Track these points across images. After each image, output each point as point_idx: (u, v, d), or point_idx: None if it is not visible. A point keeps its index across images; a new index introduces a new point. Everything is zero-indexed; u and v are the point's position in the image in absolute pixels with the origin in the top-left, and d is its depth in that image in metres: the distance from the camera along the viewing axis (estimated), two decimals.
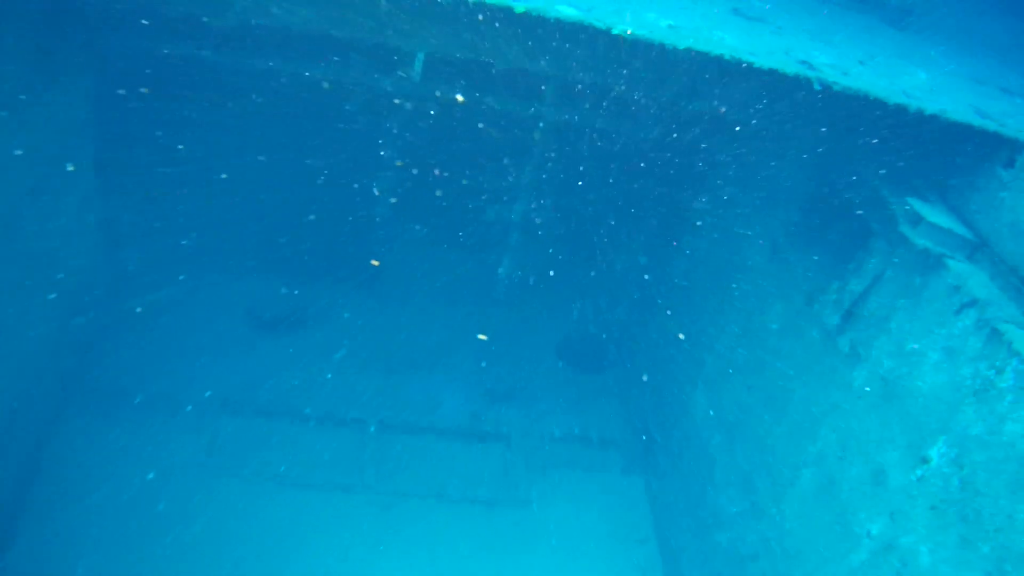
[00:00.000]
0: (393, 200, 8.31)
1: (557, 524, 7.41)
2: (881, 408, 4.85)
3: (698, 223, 7.69)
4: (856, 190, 5.50)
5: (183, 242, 8.22)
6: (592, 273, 8.81)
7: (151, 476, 7.01)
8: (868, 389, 4.98)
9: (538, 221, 8.21)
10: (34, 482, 6.75)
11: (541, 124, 7.54)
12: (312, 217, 8.32)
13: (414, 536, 7.11)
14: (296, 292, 9.00)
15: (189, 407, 7.67)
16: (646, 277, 8.58)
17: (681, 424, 7.33)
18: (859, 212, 5.40)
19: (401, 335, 8.76)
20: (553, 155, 7.80)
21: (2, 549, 6.29)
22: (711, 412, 6.80)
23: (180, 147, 7.66)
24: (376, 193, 8.38)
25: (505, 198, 8.11)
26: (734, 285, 6.78)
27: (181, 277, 8.66)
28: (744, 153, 6.96)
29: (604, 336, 9.28)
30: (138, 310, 8.32)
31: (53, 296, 6.79)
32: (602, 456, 8.20)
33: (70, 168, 6.76)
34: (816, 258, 5.87)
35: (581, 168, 8.05)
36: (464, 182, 8.09)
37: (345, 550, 6.90)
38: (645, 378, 8.33)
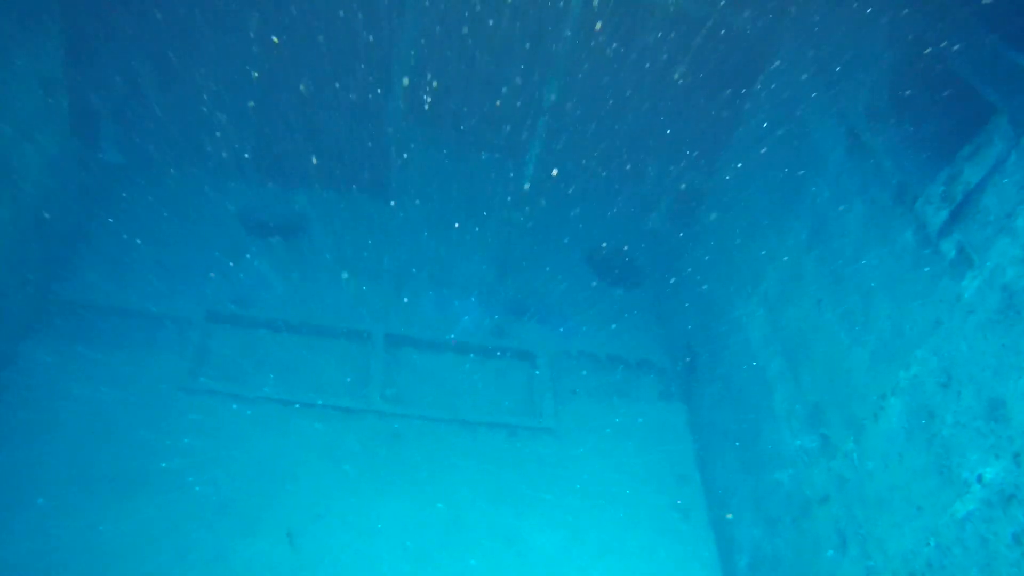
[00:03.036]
0: (405, 83, 7.30)
1: (586, 456, 6.55)
2: (1001, 325, 3.88)
3: (754, 110, 6.65)
4: (966, 55, 4.43)
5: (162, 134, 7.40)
6: (628, 168, 7.78)
7: (128, 397, 6.22)
8: (983, 302, 4.00)
9: (569, 106, 7.17)
10: None
11: None
12: (313, 112, 7.43)
13: (425, 467, 6.28)
14: (295, 195, 8.10)
15: (171, 320, 6.84)
16: (692, 175, 7.55)
17: (731, 345, 6.39)
18: (971, 83, 4.35)
19: (414, 243, 7.85)
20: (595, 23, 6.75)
21: None
22: (770, 332, 5.85)
23: (158, 16, 6.70)
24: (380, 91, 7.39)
25: (535, 77, 7.07)
26: (802, 183, 5.76)
27: (171, 171, 7.82)
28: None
29: (641, 244, 8.29)
30: (123, 195, 7.50)
31: (17, 191, 5.96)
32: (637, 380, 7.31)
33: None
34: (910, 145, 4.84)
35: (620, 44, 6.97)
36: (488, 62, 7.07)
37: (347, 482, 6.10)
38: (688, 292, 7.38)
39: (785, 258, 5.80)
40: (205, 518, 5.71)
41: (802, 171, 5.79)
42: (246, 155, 7.84)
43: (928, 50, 4.76)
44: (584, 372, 7.17)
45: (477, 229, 7.96)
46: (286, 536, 5.74)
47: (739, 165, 6.85)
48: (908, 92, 4.93)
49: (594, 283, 8.02)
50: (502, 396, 6.90)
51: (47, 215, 6.62)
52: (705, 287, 7.07)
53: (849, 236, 5.14)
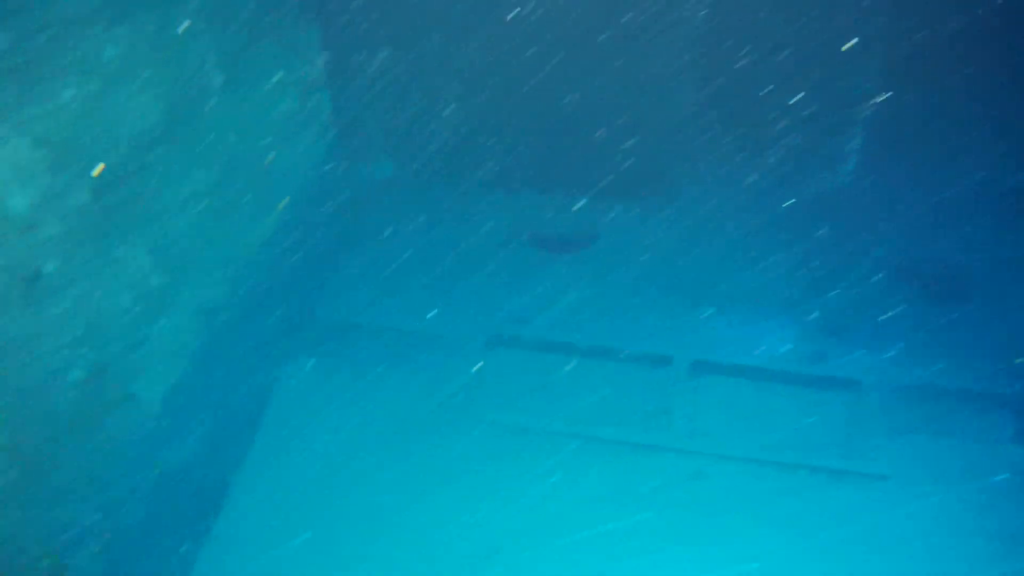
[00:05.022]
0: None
1: (927, 512, 5.51)
2: None
3: None
4: None
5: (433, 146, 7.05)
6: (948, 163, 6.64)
7: (397, 424, 5.87)
8: None
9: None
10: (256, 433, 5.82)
11: None
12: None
13: (731, 515, 5.49)
14: (581, 206, 7.57)
15: (446, 341, 6.43)
16: None
17: None
18: None
19: (711, 257, 7.05)
20: None
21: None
22: None
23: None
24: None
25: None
26: None
27: (441, 184, 7.47)
28: None
29: (969, 253, 7.07)
30: (392, 209, 7.21)
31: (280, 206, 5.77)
32: (980, 416, 6.14)
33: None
34: None
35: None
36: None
37: (641, 532, 5.40)
38: None
39: None
40: (470, 564, 5.25)
41: None
42: (523, 166, 7.36)
43: None
44: (917, 405, 6.11)
45: (777, 240, 7.05)
46: None
47: None
48: None
49: (913, 299, 6.89)
50: (820, 433, 5.98)
51: (311, 230, 6.43)
52: None
53: None
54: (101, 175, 4.06)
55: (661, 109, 7.05)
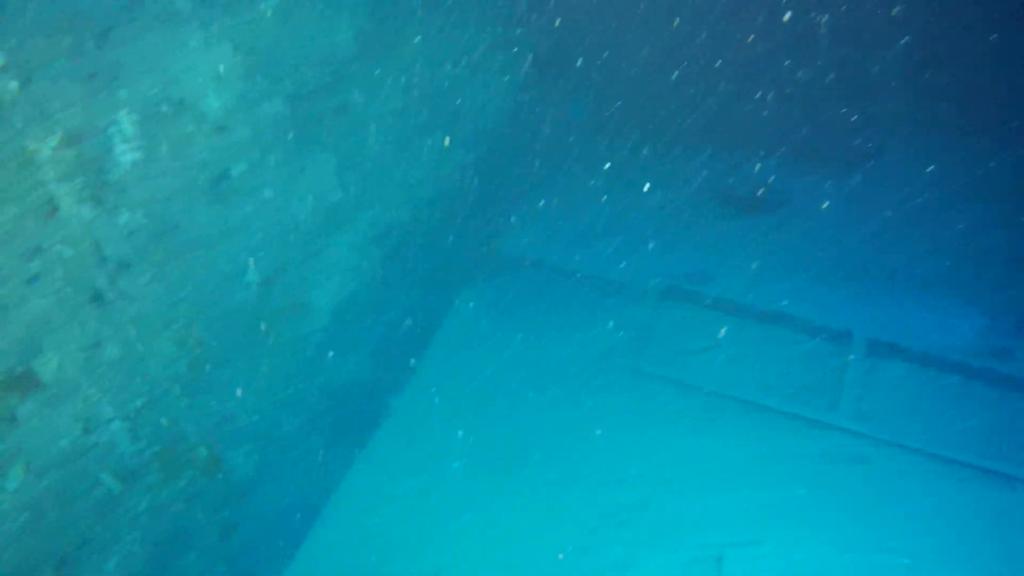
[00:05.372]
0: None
1: None
2: None
3: None
4: None
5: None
6: None
7: (559, 364, 5.78)
8: None
9: None
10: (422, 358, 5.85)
11: None
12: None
13: (895, 508, 5.07)
14: (772, 170, 7.11)
15: (622, 288, 6.27)
16: None
17: None
18: None
19: (906, 233, 6.49)
20: None
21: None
22: None
23: None
24: None
25: None
26: None
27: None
28: None
29: None
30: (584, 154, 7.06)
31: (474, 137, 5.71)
32: None
33: None
34: None
35: None
36: None
37: (792, 506, 5.09)
38: None
39: None
40: (618, 515, 5.11)
41: None
42: (719, 124, 7.01)
43: None
44: None
45: (981, 222, 6.40)
46: (714, 560, 4.89)
47: None
48: None
49: None
50: (997, 434, 5.41)
51: (499, 164, 6.36)
52: None
53: None
54: (297, 87, 4.11)
55: (865, 74, 6.51)
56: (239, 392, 4.19)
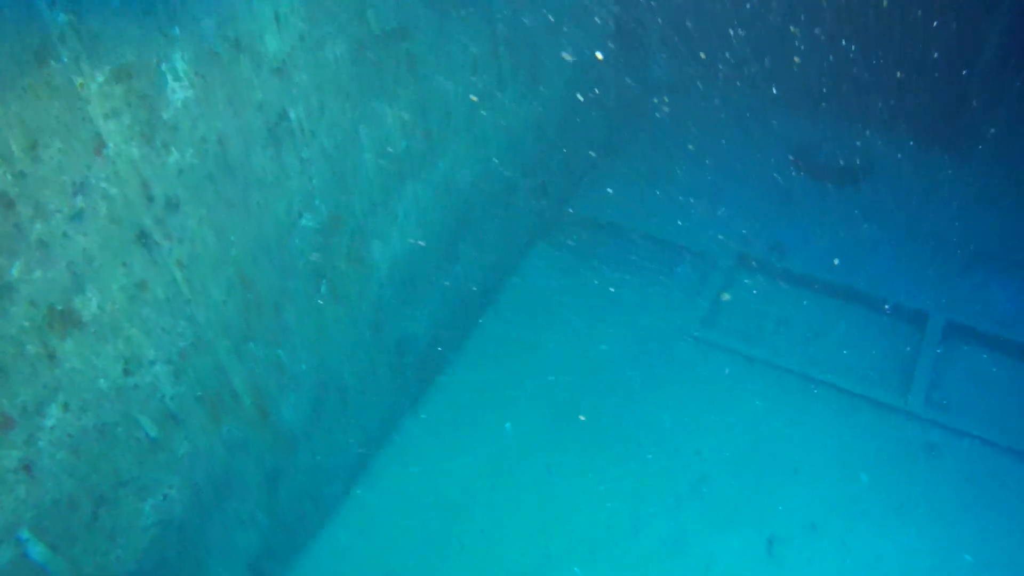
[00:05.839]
0: None
1: None
2: None
3: None
4: None
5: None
6: None
7: (623, 330, 5.60)
8: None
9: None
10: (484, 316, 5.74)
11: None
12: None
13: (965, 497, 4.79)
14: (858, 138, 6.86)
15: (695, 255, 6.05)
16: None
17: None
18: None
19: (993, 215, 6.15)
20: None
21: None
22: None
23: None
24: None
25: None
26: None
27: (715, 99, 6.95)
28: None
29: None
30: (662, 116, 6.82)
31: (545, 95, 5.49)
32: None
33: None
34: None
35: None
36: None
37: (856, 493, 4.87)
38: None
39: None
40: (675, 492, 4.90)
41: None
42: (805, 88, 6.67)
43: None
44: None
45: None
46: (766, 542, 4.69)
47: None
48: None
49: None
50: None
51: (578, 122, 6.14)
52: None
53: None
54: (368, 29, 3.96)
55: (966, 43, 6.09)
56: (290, 341, 4.11)
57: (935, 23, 6.08)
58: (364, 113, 4.17)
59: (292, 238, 3.95)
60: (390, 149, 4.43)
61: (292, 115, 3.74)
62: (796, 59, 6.72)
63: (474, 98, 5.02)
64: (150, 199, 3.21)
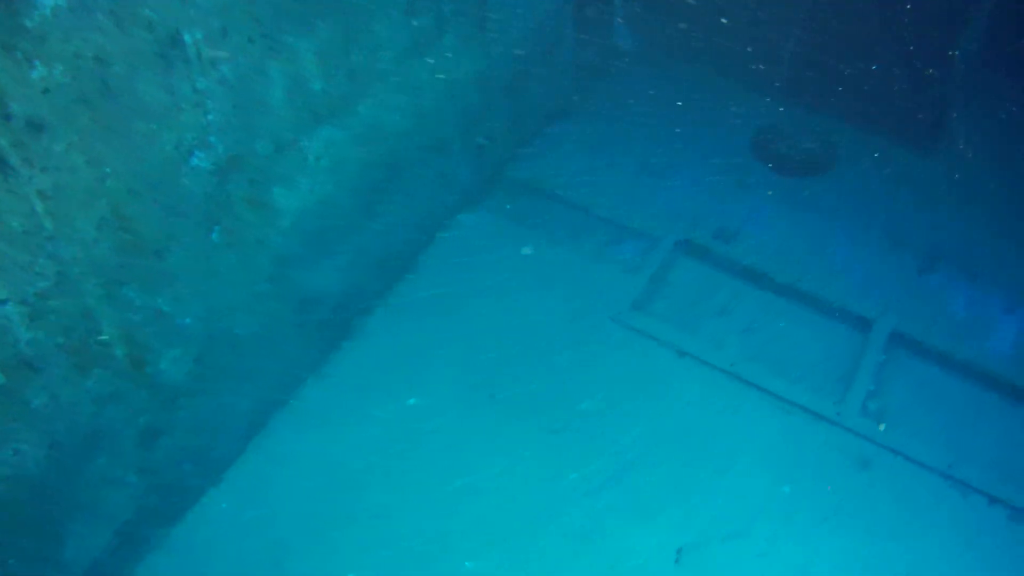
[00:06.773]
0: None
1: None
2: None
3: None
4: None
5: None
6: None
7: (553, 304, 5.44)
8: None
9: None
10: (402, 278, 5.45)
11: None
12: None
13: (895, 522, 4.60)
14: (820, 128, 6.65)
15: (634, 233, 5.89)
16: None
17: None
18: None
19: (958, 219, 6.04)
20: None
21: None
22: None
23: None
24: None
25: None
26: None
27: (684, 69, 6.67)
28: None
29: None
30: (621, 87, 6.51)
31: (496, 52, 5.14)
32: None
33: None
34: None
35: None
36: None
37: (780, 504, 4.65)
38: None
39: None
40: (589, 483, 4.64)
41: None
42: (773, 72, 6.45)
43: None
44: None
45: None
46: (675, 551, 4.45)
47: None
48: None
49: None
50: (1018, 464, 4.90)
51: (528, 84, 5.80)
52: None
53: None
54: None
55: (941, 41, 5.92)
56: (173, 289, 3.73)
57: (907, 20, 5.91)
58: (275, 45, 3.77)
59: (181, 176, 3.56)
60: (304, 88, 4.04)
61: (187, 38, 3.34)
62: (767, 42, 6.47)
63: (407, 41, 4.64)
64: (7, 117, 2.81)
